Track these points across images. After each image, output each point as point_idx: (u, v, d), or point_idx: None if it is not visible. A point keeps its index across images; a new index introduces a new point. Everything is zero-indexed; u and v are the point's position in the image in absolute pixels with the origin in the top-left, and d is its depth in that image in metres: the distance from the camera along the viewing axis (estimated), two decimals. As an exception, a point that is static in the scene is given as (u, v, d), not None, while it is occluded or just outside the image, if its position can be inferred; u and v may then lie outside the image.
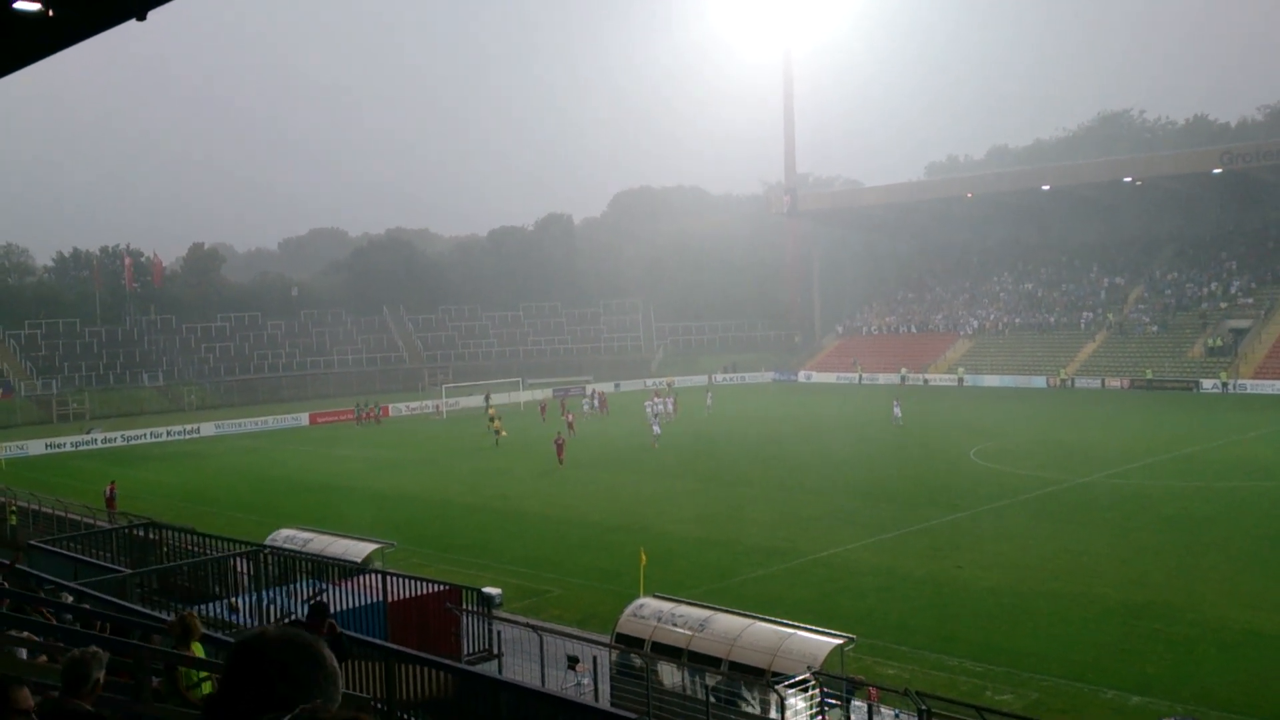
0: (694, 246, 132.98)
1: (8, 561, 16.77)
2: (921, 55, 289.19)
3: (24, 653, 10.73)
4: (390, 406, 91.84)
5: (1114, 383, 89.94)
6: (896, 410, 67.43)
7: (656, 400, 78.41)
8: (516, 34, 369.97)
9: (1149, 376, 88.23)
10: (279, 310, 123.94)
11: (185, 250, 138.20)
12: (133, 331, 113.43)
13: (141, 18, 11.78)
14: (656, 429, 62.72)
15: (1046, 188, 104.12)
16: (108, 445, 77.27)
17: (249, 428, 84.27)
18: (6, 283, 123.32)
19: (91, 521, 37.97)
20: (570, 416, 71.83)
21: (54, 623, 12.71)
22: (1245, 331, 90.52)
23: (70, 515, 41.60)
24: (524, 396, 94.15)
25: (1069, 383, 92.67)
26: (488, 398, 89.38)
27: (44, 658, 10.55)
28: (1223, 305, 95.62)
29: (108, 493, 48.04)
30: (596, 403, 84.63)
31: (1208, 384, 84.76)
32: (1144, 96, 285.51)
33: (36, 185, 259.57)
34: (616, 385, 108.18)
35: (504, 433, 65.79)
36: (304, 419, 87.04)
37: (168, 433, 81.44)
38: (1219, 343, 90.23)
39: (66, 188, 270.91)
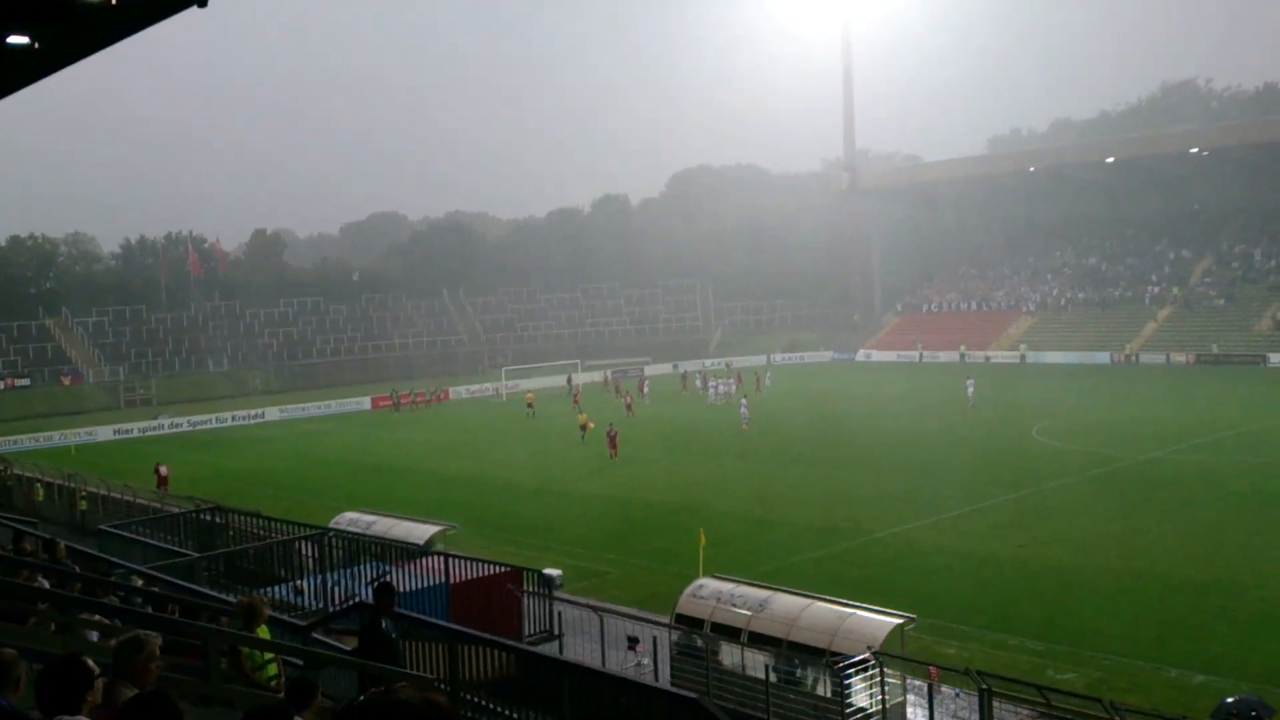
0: (752, 226, 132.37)
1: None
2: (982, 26, 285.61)
3: (95, 635, 11.02)
4: (450, 389, 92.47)
5: (1179, 358, 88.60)
6: (970, 389, 66.76)
7: (717, 382, 78.45)
8: (571, 17, 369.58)
9: (1215, 351, 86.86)
10: (340, 295, 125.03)
11: (248, 236, 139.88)
12: (197, 317, 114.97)
13: (203, 4, 11.97)
14: (745, 412, 61.56)
15: (1111, 160, 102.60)
16: (174, 431, 78.47)
17: (312, 412, 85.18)
18: (74, 271, 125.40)
19: (159, 506, 38.62)
20: (629, 398, 71.94)
21: (121, 606, 13.00)
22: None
23: (139, 500, 42.37)
24: (582, 378, 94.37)
25: (1133, 358, 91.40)
26: (570, 380, 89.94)
27: (113, 641, 10.83)
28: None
29: (163, 472, 49.00)
30: (645, 387, 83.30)
31: (1275, 358, 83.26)
32: (1210, 65, 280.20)
33: (103, 176, 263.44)
34: (675, 366, 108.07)
35: (591, 424, 58.61)
36: (366, 403, 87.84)
37: (233, 418, 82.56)
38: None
39: (132, 178, 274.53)
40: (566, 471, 50.40)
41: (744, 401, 63.98)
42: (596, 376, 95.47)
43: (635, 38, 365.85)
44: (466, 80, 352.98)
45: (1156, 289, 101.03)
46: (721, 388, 77.20)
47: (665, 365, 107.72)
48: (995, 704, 17.81)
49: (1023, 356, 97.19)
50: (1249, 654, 22.83)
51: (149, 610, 12.66)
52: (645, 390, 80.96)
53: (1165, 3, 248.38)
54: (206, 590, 17.88)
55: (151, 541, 25.77)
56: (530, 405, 74.61)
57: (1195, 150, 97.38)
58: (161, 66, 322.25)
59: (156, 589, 15.16)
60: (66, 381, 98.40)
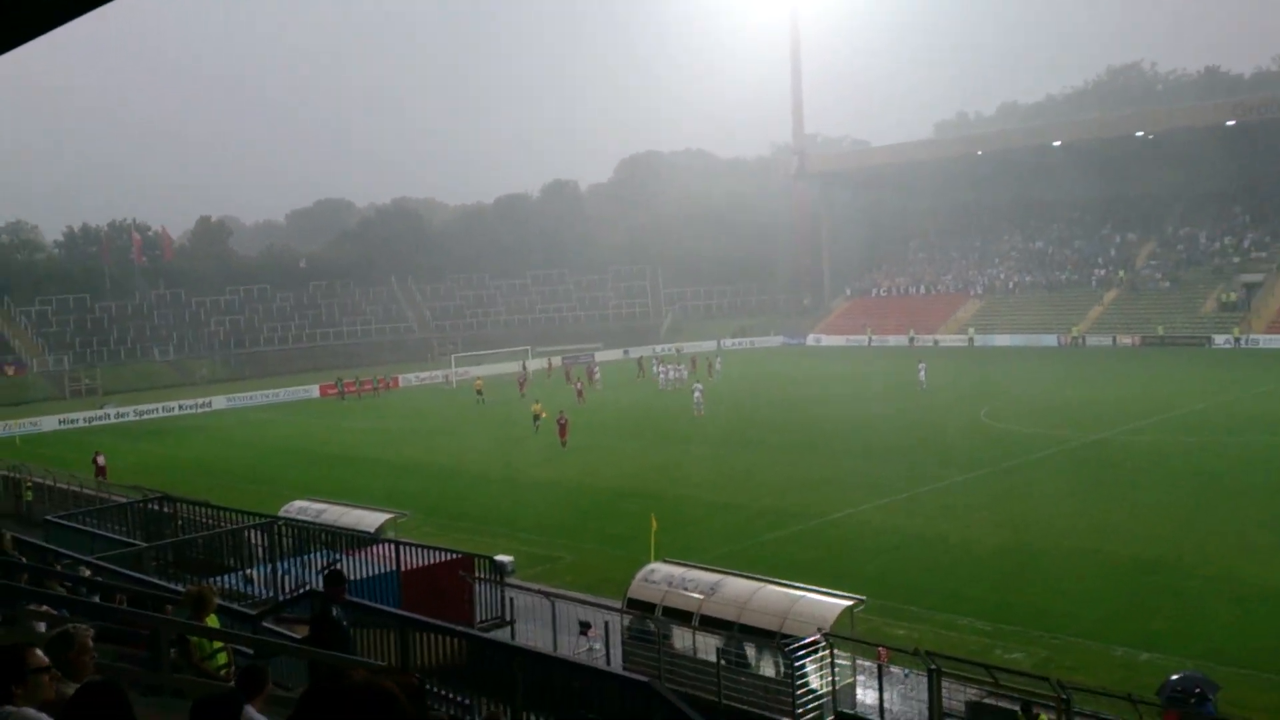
0: (701, 211, 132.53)
1: None
2: (928, 11, 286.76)
3: (43, 626, 10.89)
4: (400, 377, 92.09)
5: (1125, 340, 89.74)
6: (922, 373, 67.20)
7: (667, 367, 78.67)
8: (518, 3, 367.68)
9: (1161, 333, 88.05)
10: (287, 282, 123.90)
11: (192, 224, 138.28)
12: (142, 306, 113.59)
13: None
14: (699, 397, 61.43)
15: (1057, 144, 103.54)
16: (121, 420, 77.58)
17: (260, 400, 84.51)
18: (16, 259, 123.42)
19: (106, 496, 38.20)
20: (580, 385, 71.83)
21: (71, 596, 12.86)
22: (1258, 286, 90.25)
23: (85, 491, 41.89)
24: (532, 365, 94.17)
25: (1080, 341, 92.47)
26: (524, 366, 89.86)
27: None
28: (1235, 260, 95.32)
29: (100, 462, 48.62)
30: (597, 373, 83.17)
31: (1220, 339, 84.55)
32: (1155, 49, 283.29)
33: (43, 162, 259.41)
34: (625, 352, 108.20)
35: (545, 414, 56.91)
36: (314, 391, 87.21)
37: (179, 406, 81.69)
38: (1232, 298, 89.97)
39: (73, 164, 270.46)
40: (518, 458, 50.32)
41: (698, 386, 63.98)
42: (543, 363, 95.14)
43: (583, 23, 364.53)
44: (413, 65, 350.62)
45: (1103, 272, 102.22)
46: (672, 373, 77.38)
47: (616, 351, 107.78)
48: (944, 684, 17.98)
49: (971, 340, 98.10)
50: (1193, 632, 23.19)
51: (97, 600, 12.53)
52: (597, 376, 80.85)
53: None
54: (155, 580, 17.73)
55: (99, 531, 25.52)
56: (480, 393, 74.36)
57: (1141, 134, 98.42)
58: (103, 51, 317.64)
59: (104, 579, 15.00)
60: (10, 371, 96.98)
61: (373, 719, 3.02)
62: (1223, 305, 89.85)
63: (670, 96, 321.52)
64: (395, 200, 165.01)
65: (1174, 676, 18.37)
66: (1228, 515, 32.39)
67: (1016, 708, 17.28)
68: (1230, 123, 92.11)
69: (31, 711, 5.71)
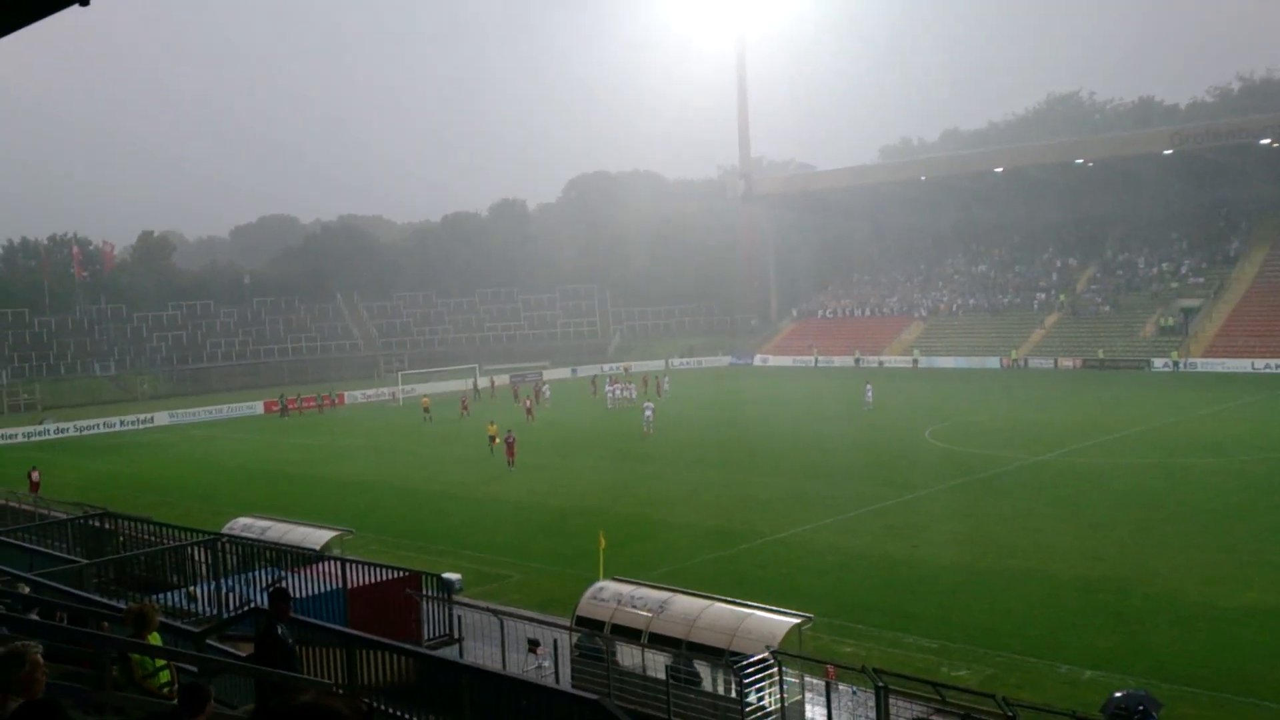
0: (649, 231, 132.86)
1: None
2: (874, 39, 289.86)
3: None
4: (345, 394, 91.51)
5: (1066, 363, 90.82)
6: (869, 394, 67.48)
7: (616, 386, 78.68)
8: (467, 20, 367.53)
9: (1101, 356, 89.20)
10: (231, 298, 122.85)
11: (134, 238, 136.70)
12: (83, 321, 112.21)
13: (84, 2, 11.60)
14: (649, 415, 61.40)
15: (999, 170, 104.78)
16: (60, 435, 76.51)
17: (203, 416, 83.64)
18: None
19: (46, 513, 37.57)
20: (529, 403, 71.61)
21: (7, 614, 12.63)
22: (1196, 310, 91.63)
23: (24, 506, 41.20)
24: (482, 382, 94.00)
25: (1022, 363, 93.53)
26: (475, 384, 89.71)
27: None
28: (1173, 285, 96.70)
29: (34, 477, 47.99)
30: (547, 391, 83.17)
31: (1159, 363, 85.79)
32: (1093, 78, 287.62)
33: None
34: (574, 371, 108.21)
35: (499, 436, 54.93)
36: (258, 407, 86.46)
37: (121, 422, 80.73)
38: (1170, 322, 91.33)
39: (11, 176, 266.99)
40: (465, 476, 50.08)
41: (649, 405, 63.97)
42: (485, 382, 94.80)
43: (531, 44, 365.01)
44: (360, 82, 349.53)
45: (1044, 296, 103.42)
46: (620, 392, 77.36)
47: (564, 370, 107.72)
48: (891, 701, 18.04)
49: (915, 361, 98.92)
50: (1136, 649, 23.43)
51: (36, 617, 12.30)
52: (546, 395, 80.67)
53: (1050, 18, 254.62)
54: (96, 597, 17.44)
55: (38, 548, 25.06)
56: (427, 410, 74.04)
57: (1080, 161, 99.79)
58: (47, 61, 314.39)
59: (44, 596, 14.74)
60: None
61: None
62: (1161, 329, 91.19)
63: (619, 118, 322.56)
64: (342, 217, 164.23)
65: (1117, 694, 18.55)
66: (1169, 536, 32.80)
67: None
68: (1167, 151, 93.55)
69: None
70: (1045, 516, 35.93)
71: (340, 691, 13.24)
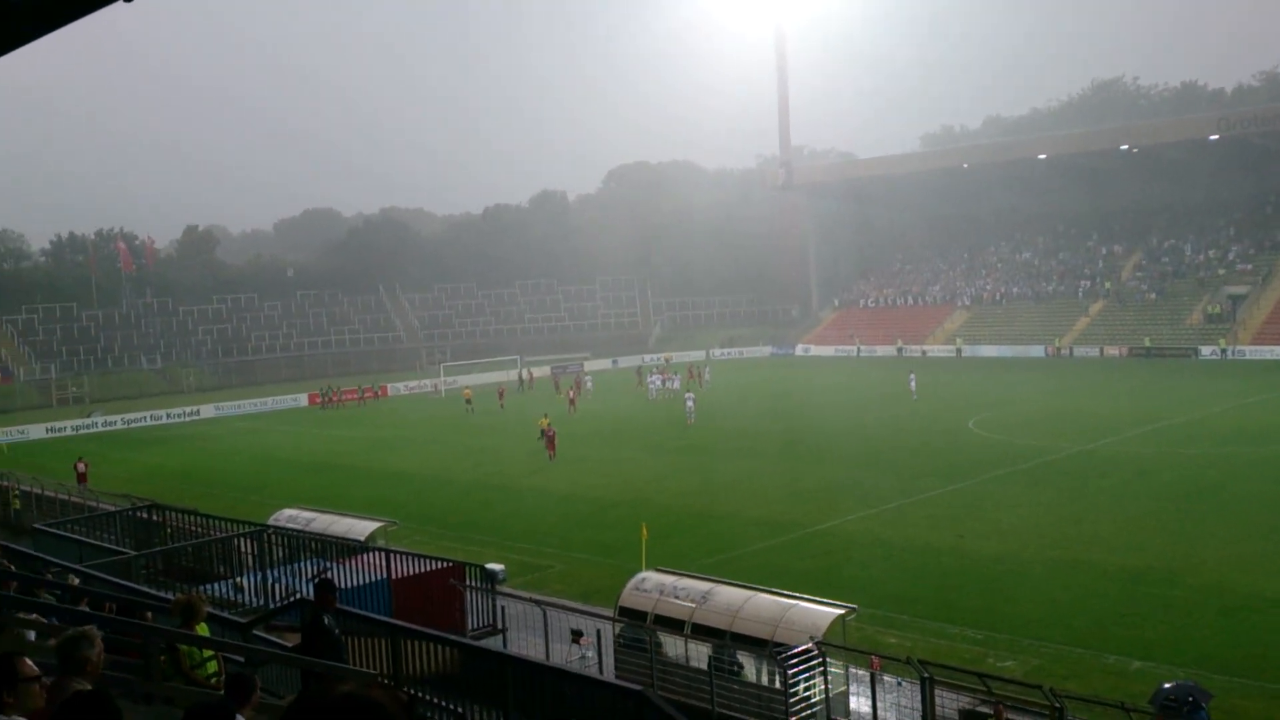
0: (689, 221, 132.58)
1: None
2: (915, 26, 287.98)
3: (32, 634, 10.81)
4: (389, 386, 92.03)
5: (1112, 351, 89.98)
6: (913, 383, 67.22)
7: (657, 377, 78.39)
8: (506, 13, 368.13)
9: (1147, 344, 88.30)
10: (275, 291, 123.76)
11: (179, 233, 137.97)
12: (129, 315, 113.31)
13: None
14: (691, 406, 61.62)
15: (1043, 157, 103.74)
16: (108, 429, 77.37)
17: (248, 409, 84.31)
18: (2, 268, 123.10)
19: (95, 505, 38.03)
20: (572, 394, 71.56)
21: (60, 605, 12.79)
22: (1243, 298, 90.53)
23: (73, 499, 41.74)
24: (510, 376, 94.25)
25: (1067, 352, 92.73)
26: (519, 375, 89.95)
27: (53, 640, 10.63)
28: (1221, 272, 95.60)
29: (80, 469, 48.56)
30: (589, 383, 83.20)
31: (1206, 351, 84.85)
32: (1137, 64, 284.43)
33: (30, 171, 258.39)
34: (614, 362, 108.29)
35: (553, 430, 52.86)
36: (303, 399, 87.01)
37: (167, 415, 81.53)
38: (1217, 309, 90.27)
39: (60, 173, 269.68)
40: (508, 467, 50.26)
41: (690, 396, 64.05)
42: (523, 374, 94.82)
43: (570, 35, 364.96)
44: (401, 76, 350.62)
45: (1089, 284, 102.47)
46: (664, 383, 77.17)
47: (605, 361, 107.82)
48: (937, 692, 17.98)
49: (958, 350, 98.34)
50: (1184, 640, 23.22)
51: (86, 608, 12.45)
52: (589, 386, 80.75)
53: (1093, 2, 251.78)
54: (144, 588, 17.63)
55: (87, 540, 25.38)
56: (469, 401, 74.31)
57: (1125, 147, 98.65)
58: (91, 61, 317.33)
59: (94, 587, 14.91)
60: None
61: None
62: (1209, 317, 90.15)
63: (658, 108, 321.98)
64: (383, 210, 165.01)
65: (1166, 685, 18.37)
66: (1216, 525, 32.45)
67: (1008, 716, 17.27)
68: (1214, 137, 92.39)
69: None
70: (1090, 506, 35.62)
71: (384, 682, 13.33)
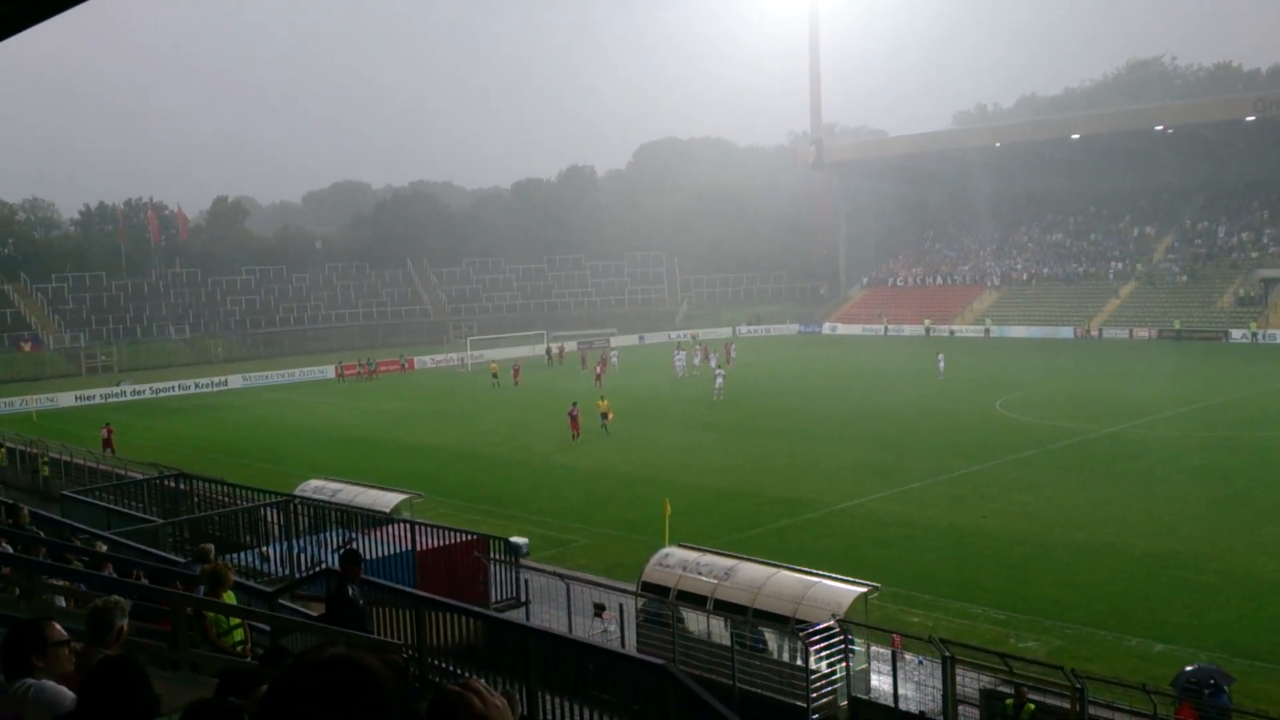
0: (719, 198, 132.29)
1: None
2: (950, 4, 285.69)
3: (61, 600, 10.95)
4: (415, 359, 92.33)
5: (1142, 333, 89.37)
6: (941, 363, 66.85)
7: (682, 354, 77.76)
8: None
9: (1177, 327, 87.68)
10: (303, 263, 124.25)
11: (209, 204, 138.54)
12: (158, 285, 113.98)
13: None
14: (720, 382, 61.67)
15: (1076, 136, 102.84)
16: (136, 397, 77.92)
17: (275, 380, 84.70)
18: (33, 237, 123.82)
19: (123, 472, 38.36)
20: (600, 369, 71.33)
21: (92, 571, 12.93)
22: (1276, 281, 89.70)
23: (101, 466, 42.11)
24: (517, 351, 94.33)
25: (1096, 333, 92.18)
26: (548, 349, 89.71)
27: (71, 603, 10.75)
28: (1254, 255, 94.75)
29: (105, 435, 48.96)
30: (614, 359, 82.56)
31: (1237, 334, 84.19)
32: (1174, 43, 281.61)
33: (62, 142, 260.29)
34: (641, 338, 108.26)
35: (611, 414, 51.54)
36: (330, 371, 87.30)
37: (195, 385, 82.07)
38: (1249, 293, 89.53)
39: (90, 142, 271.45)
40: (533, 441, 50.34)
41: (720, 372, 64.09)
42: (554, 348, 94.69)
43: (602, 11, 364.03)
44: (431, 51, 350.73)
45: (1120, 265, 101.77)
46: (695, 359, 76.59)
47: (631, 337, 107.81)
48: (958, 671, 18.00)
49: (987, 330, 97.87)
50: (1207, 624, 23.15)
51: (113, 575, 12.58)
52: (614, 362, 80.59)
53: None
54: (172, 556, 17.79)
55: (115, 507, 25.61)
56: (495, 376, 74.41)
57: (1159, 128, 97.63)
58: (122, 35, 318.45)
59: (122, 554, 15.07)
60: (26, 348, 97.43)
61: (347, 695, 2.88)
62: (1240, 300, 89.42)
63: (688, 84, 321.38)
64: (412, 183, 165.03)
65: (1188, 668, 18.37)
66: (1242, 510, 32.29)
67: (1030, 696, 17.29)
68: (1250, 118, 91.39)
69: (52, 684, 5.73)
70: (1116, 490, 35.47)
71: (409, 653, 13.43)
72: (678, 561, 22.30)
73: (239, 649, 10.78)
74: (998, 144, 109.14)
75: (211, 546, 16.17)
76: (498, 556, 24.92)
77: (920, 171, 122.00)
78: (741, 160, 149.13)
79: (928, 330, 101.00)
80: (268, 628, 11.91)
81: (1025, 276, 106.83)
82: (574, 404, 50.55)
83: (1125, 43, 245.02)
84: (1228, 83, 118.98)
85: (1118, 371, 67.72)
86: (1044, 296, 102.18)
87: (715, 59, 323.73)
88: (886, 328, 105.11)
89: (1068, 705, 17.17)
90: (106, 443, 48.57)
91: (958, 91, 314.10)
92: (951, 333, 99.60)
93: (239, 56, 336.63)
